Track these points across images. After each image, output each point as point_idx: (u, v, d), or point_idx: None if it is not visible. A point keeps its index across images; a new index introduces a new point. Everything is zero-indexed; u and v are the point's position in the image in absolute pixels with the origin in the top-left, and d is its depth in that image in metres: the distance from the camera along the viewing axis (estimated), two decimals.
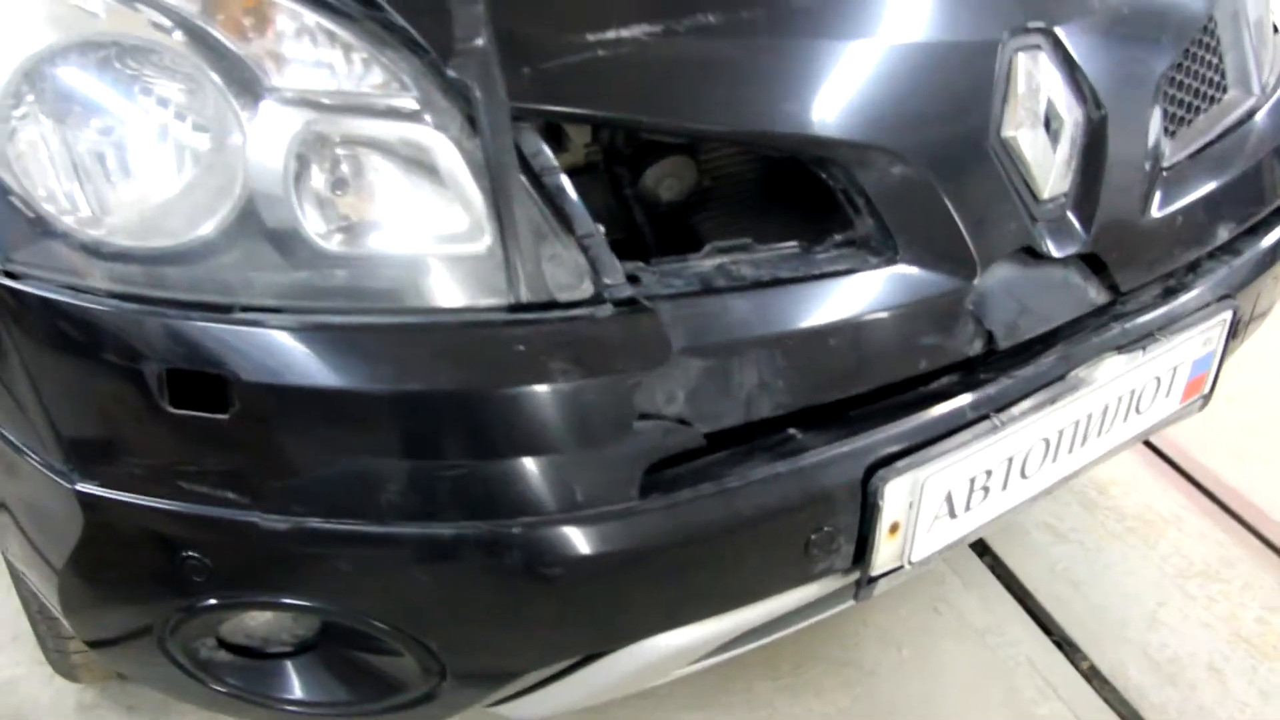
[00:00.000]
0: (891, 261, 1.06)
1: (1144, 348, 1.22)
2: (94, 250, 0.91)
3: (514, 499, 0.93)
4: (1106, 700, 1.60)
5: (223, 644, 1.09)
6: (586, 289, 0.94)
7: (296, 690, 1.09)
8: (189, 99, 0.91)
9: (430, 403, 0.91)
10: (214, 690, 1.09)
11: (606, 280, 0.94)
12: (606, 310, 0.93)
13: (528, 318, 0.91)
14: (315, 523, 0.93)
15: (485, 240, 0.92)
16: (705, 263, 1.03)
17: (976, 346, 1.12)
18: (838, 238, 1.07)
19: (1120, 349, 1.21)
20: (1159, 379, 1.26)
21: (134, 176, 0.92)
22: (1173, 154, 1.27)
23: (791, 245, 1.07)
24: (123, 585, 1.03)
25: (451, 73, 0.91)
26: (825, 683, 1.65)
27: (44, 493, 1.00)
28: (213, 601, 1.00)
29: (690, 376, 0.96)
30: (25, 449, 1.00)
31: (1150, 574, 1.81)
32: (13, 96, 0.91)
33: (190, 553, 0.96)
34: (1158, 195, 1.24)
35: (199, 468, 0.93)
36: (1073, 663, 1.67)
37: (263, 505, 0.93)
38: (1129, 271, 1.22)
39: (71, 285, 0.91)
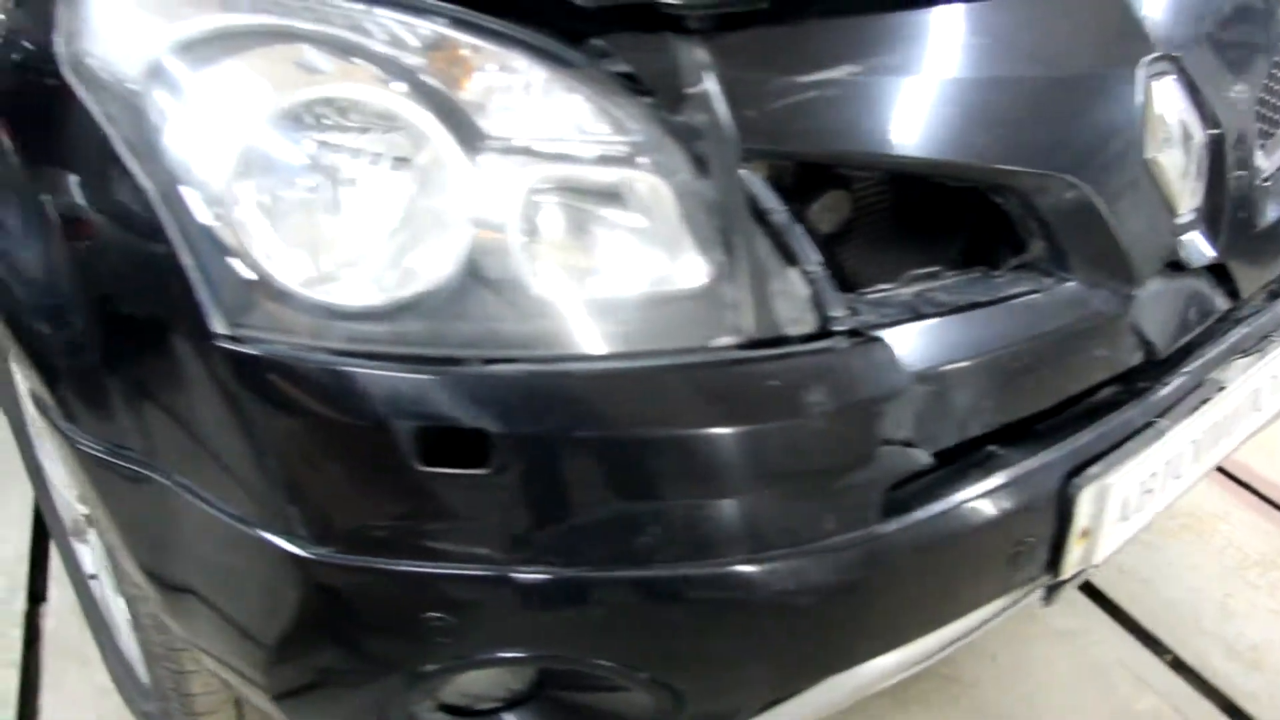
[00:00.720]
0: (1064, 281, 1.10)
1: (1262, 349, 1.29)
2: (324, 309, 0.89)
3: (769, 532, 0.93)
4: (1200, 690, 1.66)
5: (440, 706, 1.06)
6: (811, 322, 0.95)
7: None
8: (412, 152, 0.90)
9: (685, 444, 0.90)
10: None
11: (832, 313, 0.95)
12: (845, 342, 0.94)
13: (776, 353, 0.92)
14: (570, 573, 0.92)
15: (718, 279, 0.93)
16: (904, 291, 1.05)
17: (1138, 357, 1.16)
18: (1013, 261, 1.11)
19: (1245, 352, 1.27)
20: (1275, 377, 1.32)
21: (360, 232, 0.90)
22: (1267, 167, 1.35)
23: (974, 271, 1.10)
24: (350, 655, 1.00)
25: (680, 117, 0.92)
26: (932, 697, 1.66)
27: (263, 565, 0.96)
28: (451, 663, 0.97)
29: (916, 400, 0.97)
30: (243, 520, 0.96)
31: (1211, 567, 1.88)
32: (238, 158, 0.89)
33: (433, 614, 0.93)
34: (1263, 206, 1.31)
35: (449, 525, 0.91)
36: (1158, 657, 1.72)
37: (516, 559, 0.91)
38: (1248, 279, 1.29)
39: (304, 346, 0.89)
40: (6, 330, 1.14)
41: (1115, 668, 1.71)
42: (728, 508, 0.92)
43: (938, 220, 1.20)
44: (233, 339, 0.89)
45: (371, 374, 0.87)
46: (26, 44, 1.03)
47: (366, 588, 0.94)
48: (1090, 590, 1.84)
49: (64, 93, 0.97)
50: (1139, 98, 1.13)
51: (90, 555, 1.69)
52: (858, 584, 0.97)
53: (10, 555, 1.96)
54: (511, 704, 1.07)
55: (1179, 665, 1.72)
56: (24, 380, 1.54)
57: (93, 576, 1.71)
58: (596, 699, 1.04)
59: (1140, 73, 1.14)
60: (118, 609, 1.52)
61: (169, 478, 1.00)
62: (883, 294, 1.04)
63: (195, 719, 1.37)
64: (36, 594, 1.90)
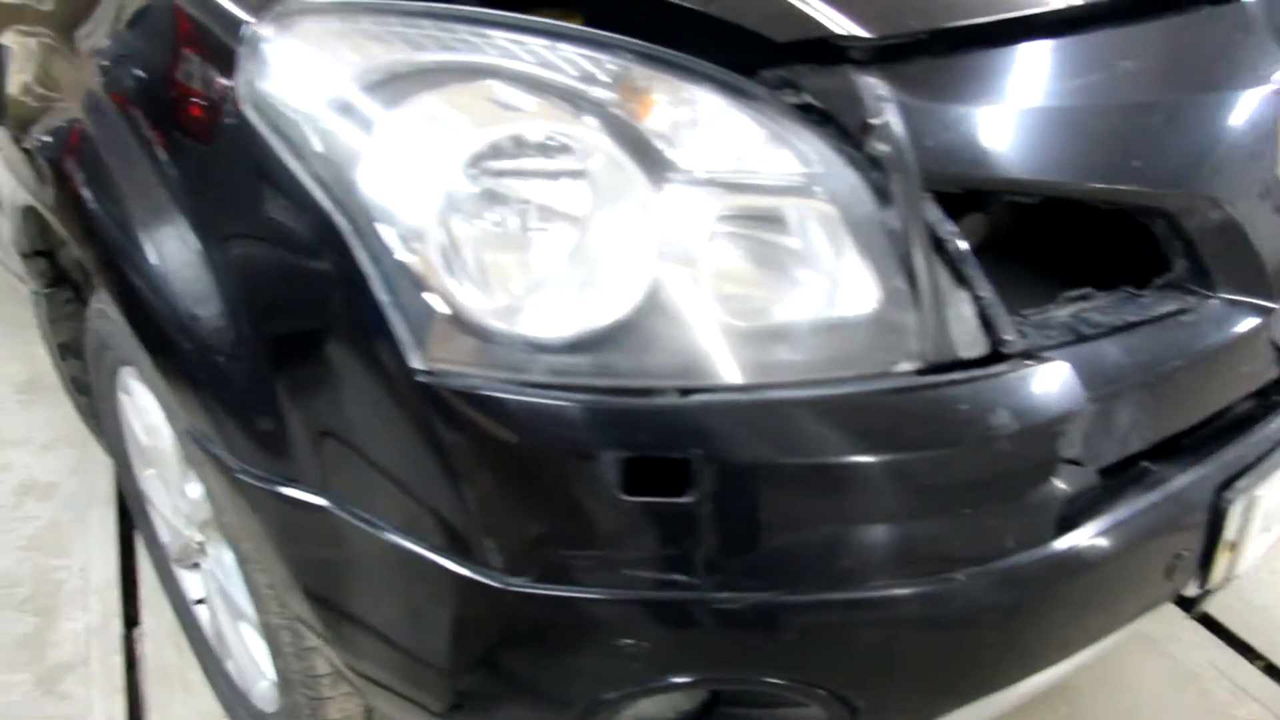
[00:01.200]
0: (1208, 298, 1.12)
1: None
2: (521, 343, 0.90)
3: (955, 552, 0.94)
4: None
5: None
6: (983, 346, 0.96)
7: None
8: (603, 185, 0.91)
9: (877, 469, 0.91)
10: None
11: (1005, 335, 0.96)
12: (1029, 365, 0.95)
13: (967, 376, 0.93)
14: (765, 596, 0.93)
15: (899, 305, 0.94)
16: (1061, 312, 1.06)
17: (1274, 371, 1.18)
18: (1158, 281, 1.12)
19: None
20: None
21: (553, 265, 0.91)
22: None
23: (1121, 291, 1.11)
24: (534, 683, 1.00)
25: (862, 148, 0.94)
26: (1029, 706, 1.67)
27: (451, 594, 0.97)
28: (636, 688, 0.98)
29: (1085, 419, 0.99)
30: (432, 551, 0.96)
31: None
32: (436, 194, 0.89)
33: (627, 640, 0.94)
34: None
35: (648, 553, 0.91)
36: (1251, 663, 1.74)
37: (712, 584, 0.92)
38: None
39: (504, 380, 0.89)
40: (154, 361, 1.15)
41: (1209, 674, 1.72)
42: (918, 529, 0.93)
43: (1065, 241, 1.22)
44: (431, 374, 0.90)
45: (574, 406, 0.88)
46: (198, 81, 1.03)
47: (560, 616, 0.94)
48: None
49: (245, 131, 0.97)
50: (1274, 115, 1.15)
51: (198, 581, 1.69)
52: (1035, 599, 0.99)
53: (101, 582, 1.95)
54: None
55: (1273, 671, 1.73)
56: (136, 413, 1.54)
57: (199, 601, 1.71)
58: (766, 714, 1.05)
59: (1275, 90, 1.16)
60: (238, 635, 1.53)
61: (346, 509, 1.00)
62: (1044, 316, 1.05)
63: None
64: (130, 618, 1.90)
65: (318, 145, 0.93)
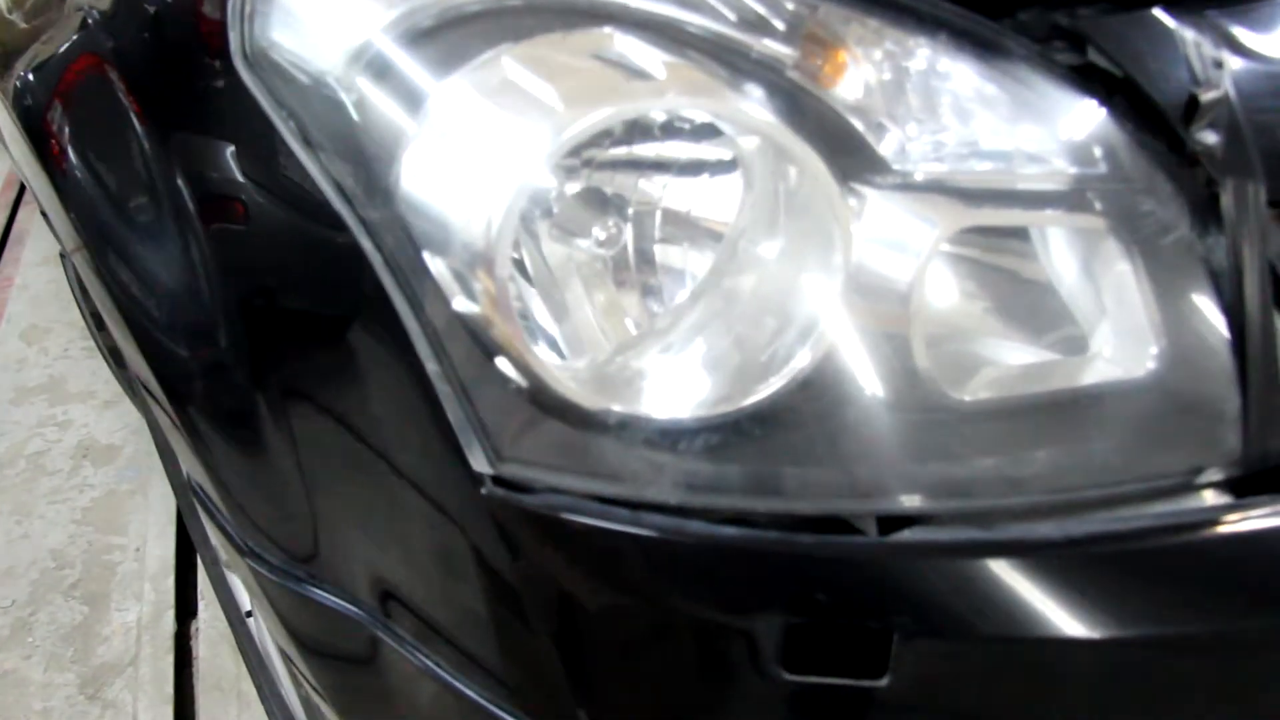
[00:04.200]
0: None
1: None
2: (643, 434, 0.56)
3: None
4: None
5: None
6: None
7: None
8: (771, 188, 0.56)
9: (1177, 646, 0.57)
10: None
11: None
12: None
13: None
14: None
15: (1213, 380, 0.58)
16: None
17: None
18: None
19: None
20: None
21: (694, 313, 0.57)
22: None
23: None
24: None
25: (1189, 139, 0.57)
26: None
27: None
28: None
29: None
30: (504, 711, 0.65)
31: None
32: (520, 207, 0.55)
33: None
34: None
35: None
36: None
37: None
38: None
39: (614, 498, 0.56)
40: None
41: None
42: None
43: None
44: (503, 482, 0.57)
45: (719, 545, 0.55)
46: (180, 32, 0.70)
47: None
48: None
49: (237, 100, 0.64)
50: None
51: (247, 592, 1.42)
52: None
53: (156, 566, 1.70)
54: None
55: None
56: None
57: (249, 614, 1.44)
58: None
59: None
60: (283, 670, 1.25)
61: (389, 632, 0.69)
62: None
63: None
64: (186, 608, 1.64)
65: (337, 126, 0.60)
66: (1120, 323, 0.59)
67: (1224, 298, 0.58)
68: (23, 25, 1.09)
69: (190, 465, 0.81)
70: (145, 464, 1.90)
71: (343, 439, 0.65)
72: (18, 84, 0.98)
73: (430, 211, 0.57)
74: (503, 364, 0.56)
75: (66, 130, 0.89)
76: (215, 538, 0.88)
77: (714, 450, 0.55)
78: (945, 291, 0.59)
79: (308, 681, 0.89)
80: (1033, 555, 0.55)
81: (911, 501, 0.55)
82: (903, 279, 0.56)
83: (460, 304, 0.56)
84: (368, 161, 0.59)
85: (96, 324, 1.48)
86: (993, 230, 0.60)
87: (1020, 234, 0.60)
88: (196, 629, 1.61)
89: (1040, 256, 0.60)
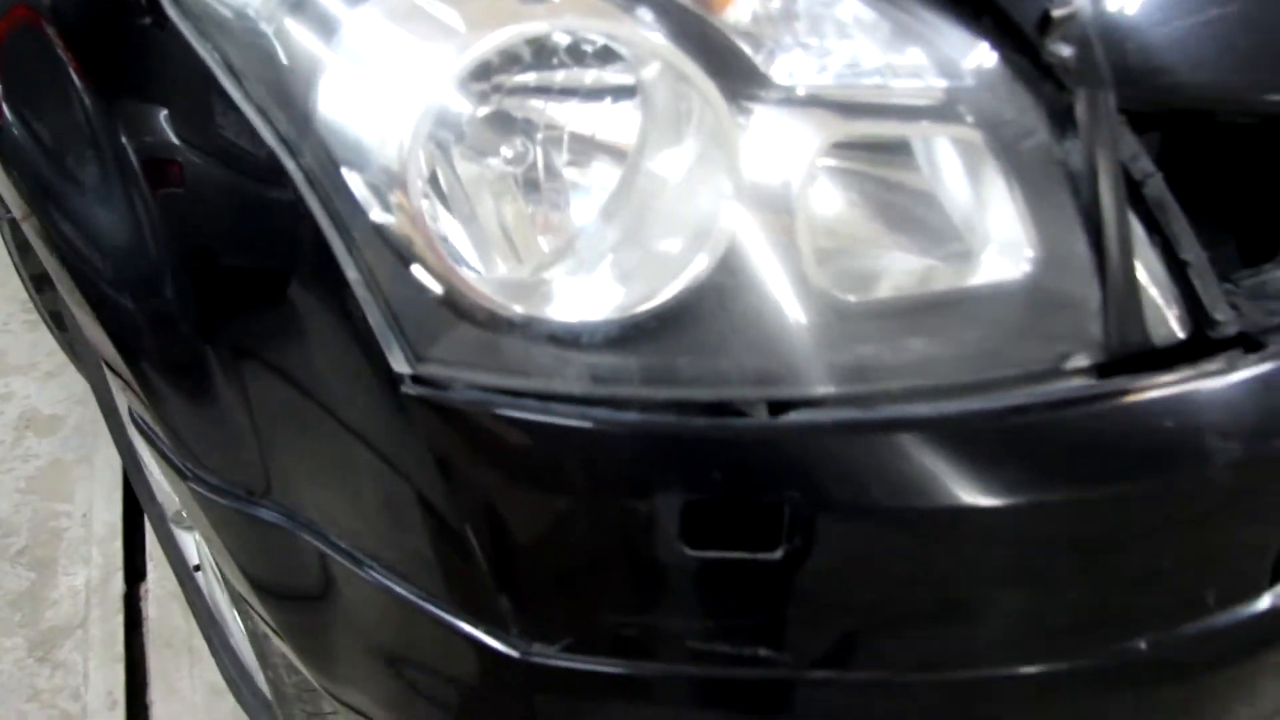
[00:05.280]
0: None
1: None
2: (550, 334, 0.60)
3: (1140, 615, 0.66)
4: None
5: None
6: (1184, 329, 0.65)
7: None
8: (665, 106, 0.60)
9: (1041, 512, 0.62)
10: None
11: (1216, 315, 0.65)
12: (1251, 358, 0.64)
13: (1172, 379, 0.62)
14: (879, 675, 0.65)
15: (1076, 274, 0.63)
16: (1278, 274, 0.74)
17: None
18: None
19: None
20: None
21: (595, 222, 0.61)
22: None
23: None
24: None
25: (1045, 51, 0.61)
26: None
27: (457, 661, 0.70)
28: None
29: None
30: (431, 604, 0.68)
31: None
32: (430, 126, 0.58)
33: None
34: None
35: (719, 621, 0.63)
36: None
37: (807, 660, 0.64)
38: None
39: (525, 391, 0.60)
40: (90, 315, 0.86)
41: None
42: (1092, 589, 0.64)
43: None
44: (422, 380, 0.60)
45: (622, 430, 0.59)
46: None
47: (603, 697, 0.67)
48: None
49: (167, 39, 0.67)
50: None
51: (195, 547, 1.44)
52: (1237, 668, 0.70)
53: (104, 531, 1.71)
54: None
55: None
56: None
57: (197, 568, 1.46)
58: None
59: None
60: (233, 615, 1.27)
61: (324, 540, 0.73)
62: (1256, 280, 0.73)
63: None
64: (135, 571, 1.65)
65: (260, 57, 0.63)
66: (995, 228, 0.63)
67: (1083, 200, 0.63)
68: None
69: (140, 411, 0.83)
70: (90, 433, 1.90)
71: (284, 371, 0.68)
72: None
73: (347, 132, 0.61)
74: (419, 272, 0.60)
75: (1, 87, 0.90)
76: (165, 475, 0.90)
77: (616, 345, 0.59)
78: (835, 201, 0.64)
79: (256, 612, 0.91)
80: (909, 432, 0.59)
81: (798, 388, 0.59)
82: (789, 188, 0.60)
83: (377, 215, 0.59)
84: (288, 88, 0.62)
85: (36, 288, 1.48)
86: (877, 146, 0.64)
87: (903, 149, 0.64)
88: (145, 590, 1.63)
89: (923, 169, 0.64)
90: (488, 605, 0.65)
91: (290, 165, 0.61)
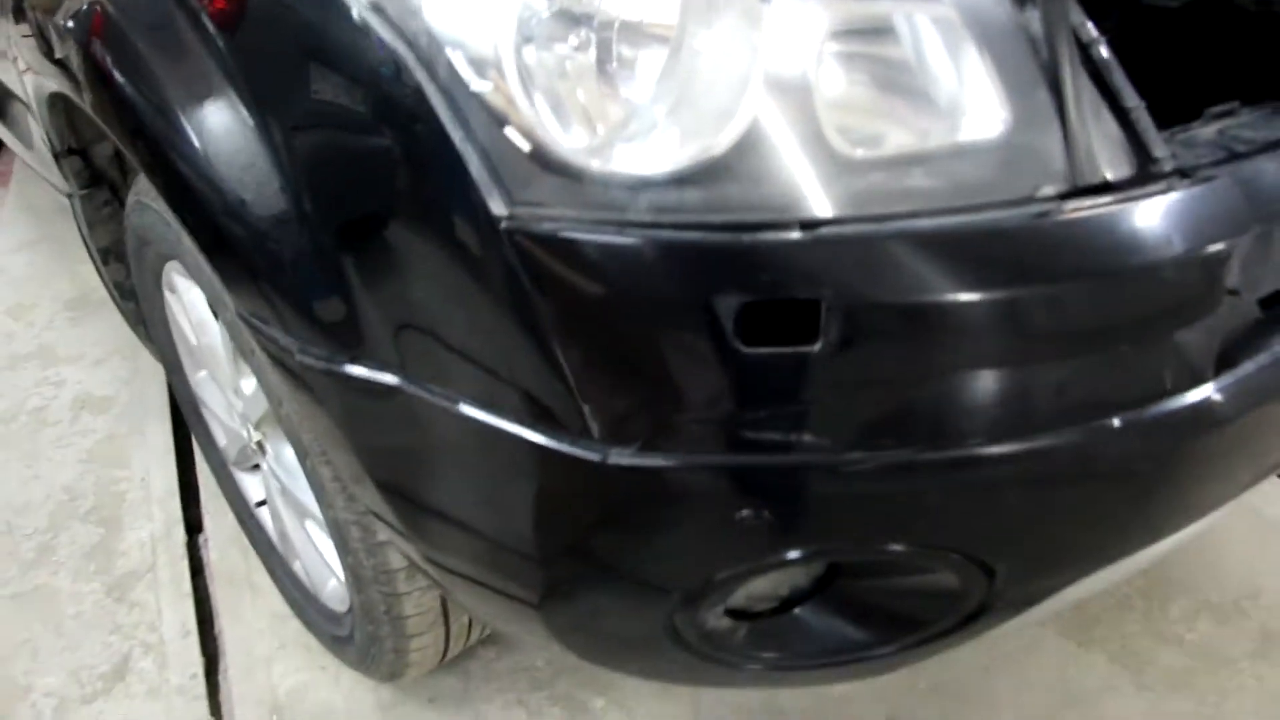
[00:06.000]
0: None
1: None
2: (617, 180, 0.73)
3: (1112, 395, 0.78)
4: None
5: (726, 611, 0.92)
6: (1132, 166, 0.79)
7: (811, 643, 0.93)
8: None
9: (1027, 302, 0.75)
10: (727, 664, 0.92)
11: (1157, 154, 0.79)
12: (1192, 182, 0.78)
13: (1122, 196, 0.76)
14: (901, 455, 0.77)
15: (1042, 122, 0.77)
16: (1208, 129, 0.89)
17: None
18: None
19: None
20: None
21: (649, 93, 0.74)
22: None
23: (1270, 105, 0.93)
24: (643, 564, 0.86)
25: None
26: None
27: (545, 474, 0.82)
28: (756, 563, 0.83)
29: (1246, 244, 0.82)
30: (523, 425, 0.81)
31: None
32: (514, 19, 0.72)
33: (746, 511, 0.79)
34: None
35: (771, 412, 0.76)
36: None
37: (844, 443, 0.77)
38: None
39: (601, 220, 0.73)
40: (197, 240, 0.99)
41: None
42: (1070, 370, 0.77)
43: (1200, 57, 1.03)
44: (514, 219, 0.74)
45: (683, 244, 0.72)
46: None
47: (669, 488, 0.79)
48: None
49: None
50: None
51: (258, 483, 1.56)
52: (1195, 445, 0.83)
53: (161, 491, 1.82)
54: (800, 599, 0.94)
55: None
56: (183, 310, 1.39)
57: (260, 504, 1.58)
58: (892, 584, 0.91)
59: None
60: (304, 535, 1.39)
61: (419, 385, 0.85)
62: (1186, 134, 0.87)
63: (407, 639, 1.25)
64: (192, 525, 1.77)
65: None
66: (973, 91, 0.77)
67: (1042, 60, 0.77)
68: None
69: (251, 305, 0.95)
70: (140, 410, 2.02)
71: (392, 230, 0.80)
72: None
73: (448, 24, 0.74)
74: (512, 133, 0.73)
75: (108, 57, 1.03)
76: (270, 370, 1.01)
77: (677, 184, 0.72)
78: (840, 80, 0.77)
79: (351, 492, 1.03)
80: (913, 242, 0.73)
81: (823, 208, 0.73)
82: (806, 59, 0.74)
83: (478, 85, 0.73)
84: None
85: (103, 260, 1.60)
86: (871, 31, 0.77)
87: (893, 31, 0.78)
88: (205, 539, 1.74)
89: (909, 47, 0.78)
90: (572, 417, 0.78)
91: (403, 51, 0.74)
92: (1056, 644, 1.47)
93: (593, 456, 0.78)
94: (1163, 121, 0.85)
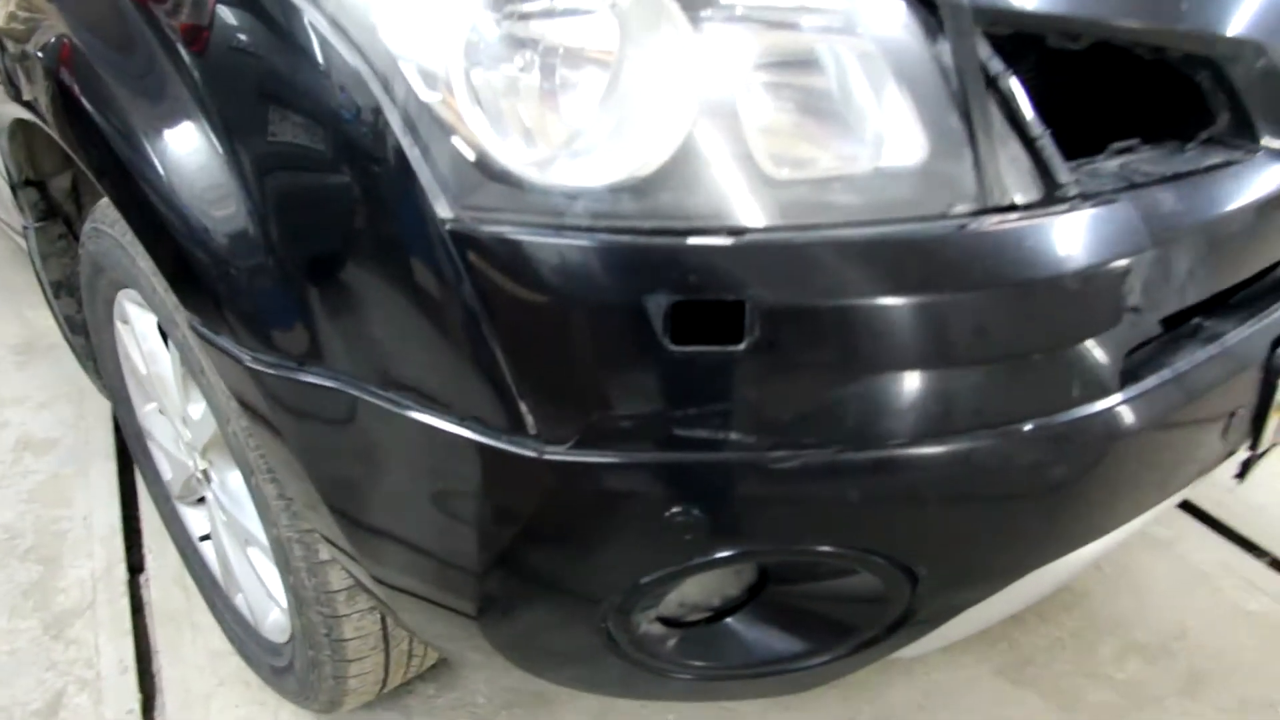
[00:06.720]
0: (1254, 152, 1.01)
1: None
2: (559, 190, 0.77)
3: (1027, 400, 0.83)
4: None
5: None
6: (1039, 190, 0.85)
7: (742, 652, 0.95)
8: (635, 23, 0.79)
9: (943, 310, 0.80)
10: (659, 671, 0.94)
11: (1061, 179, 0.85)
12: (1094, 203, 0.84)
13: (1030, 214, 0.82)
14: (824, 454, 0.81)
15: (953, 147, 0.82)
16: (1110, 163, 0.95)
17: None
18: (1203, 135, 1.01)
19: None
20: None
21: (588, 113, 0.79)
22: None
23: (1169, 144, 1.00)
24: (575, 568, 0.88)
25: None
26: (1045, 609, 1.57)
27: (482, 473, 0.84)
28: (686, 564, 0.86)
29: (1147, 264, 0.88)
30: (461, 425, 0.84)
31: None
32: (463, 42, 0.77)
33: (677, 509, 0.82)
34: None
35: (700, 410, 0.79)
36: (1258, 560, 1.65)
37: (769, 442, 0.80)
38: None
39: (540, 224, 0.77)
40: (150, 251, 1.01)
41: (1219, 573, 1.63)
42: (986, 377, 0.82)
43: (1106, 96, 1.11)
44: (461, 221, 0.77)
45: (618, 247, 0.76)
46: None
47: (605, 485, 0.82)
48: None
49: None
50: None
51: (202, 516, 1.55)
52: (1105, 450, 0.87)
53: (104, 530, 1.81)
54: (730, 610, 0.96)
55: (1278, 565, 1.64)
56: (134, 341, 1.40)
57: (204, 538, 1.57)
58: (820, 589, 0.94)
59: None
60: (246, 565, 1.39)
61: (364, 389, 0.88)
62: (1090, 166, 0.94)
63: (347, 664, 1.25)
64: (134, 565, 1.75)
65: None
66: (892, 120, 0.82)
67: (953, 90, 0.83)
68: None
69: (204, 317, 0.97)
70: (84, 451, 2.01)
71: (334, 220, 0.84)
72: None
73: (403, 42, 0.79)
74: (458, 142, 0.77)
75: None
76: (221, 381, 1.02)
77: (613, 193, 0.77)
78: (770, 107, 0.82)
79: (295, 508, 1.05)
80: (835, 249, 0.77)
81: (750, 219, 0.77)
82: (735, 84, 0.79)
83: (428, 97, 0.77)
84: (358, 11, 0.80)
85: (54, 293, 1.61)
86: (797, 62, 0.83)
87: (817, 63, 0.83)
88: (146, 578, 1.72)
89: (833, 78, 0.83)
90: (511, 415, 0.81)
91: (360, 65, 0.79)
92: (991, 683, 1.49)
93: (529, 453, 0.81)
94: (1071, 154, 0.92)
